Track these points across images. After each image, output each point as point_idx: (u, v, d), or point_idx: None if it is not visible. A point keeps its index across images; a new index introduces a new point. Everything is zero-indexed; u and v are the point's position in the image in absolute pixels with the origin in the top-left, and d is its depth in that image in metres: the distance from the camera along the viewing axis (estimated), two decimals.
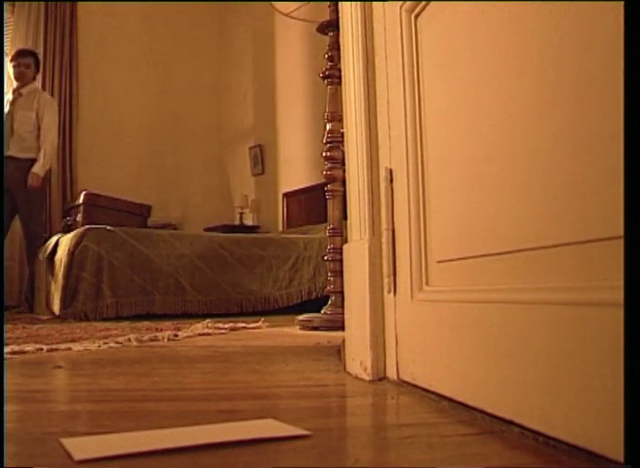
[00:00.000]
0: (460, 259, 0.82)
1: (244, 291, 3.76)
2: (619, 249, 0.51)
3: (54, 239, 3.97)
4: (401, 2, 0.99)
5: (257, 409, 0.84)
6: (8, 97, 4.46)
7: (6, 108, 4.37)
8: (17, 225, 4.87)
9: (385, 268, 1.03)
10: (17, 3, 5.56)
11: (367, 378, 1.04)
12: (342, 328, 1.20)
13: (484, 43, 0.77)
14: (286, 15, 2.65)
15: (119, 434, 0.67)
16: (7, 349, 1.53)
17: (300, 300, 3.88)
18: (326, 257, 2.47)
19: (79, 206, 4.42)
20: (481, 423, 0.71)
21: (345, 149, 1.22)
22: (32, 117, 4.37)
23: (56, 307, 3.44)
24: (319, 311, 2.42)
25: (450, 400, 0.80)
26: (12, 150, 4.29)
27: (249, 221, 6.16)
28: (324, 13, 2.49)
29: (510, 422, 0.66)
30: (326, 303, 2.44)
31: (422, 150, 0.94)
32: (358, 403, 0.91)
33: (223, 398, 0.94)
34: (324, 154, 2.46)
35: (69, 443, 0.62)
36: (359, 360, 1.07)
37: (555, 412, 0.59)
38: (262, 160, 6.12)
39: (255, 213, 6.19)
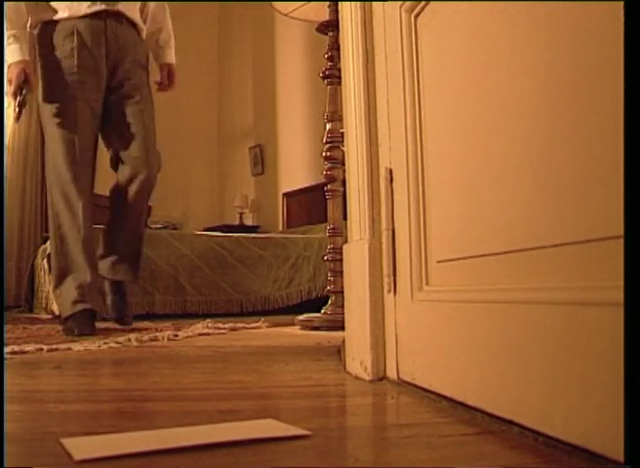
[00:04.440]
0: (459, 259, 0.82)
1: (244, 291, 3.76)
2: (619, 249, 0.51)
3: None
4: (401, 2, 0.99)
5: (257, 409, 0.84)
6: None
7: None
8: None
9: (385, 268, 1.03)
10: None
11: (367, 378, 1.04)
12: (342, 328, 1.20)
13: (484, 43, 0.77)
14: (286, 15, 2.65)
15: (119, 434, 0.67)
16: (7, 349, 1.53)
17: (299, 300, 3.88)
18: (326, 257, 2.47)
19: None
20: (481, 423, 0.71)
21: (345, 149, 1.22)
22: None
23: (56, 307, 3.44)
24: (319, 311, 2.42)
25: (450, 400, 0.80)
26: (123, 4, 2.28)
27: (249, 221, 6.17)
28: (324, 13, 2.49)
29: (510, 422, 0.66)
30: (326, 303, 2.44)
31: (422, 150, 0.94)
32: (358, 403, 0.91)
33: (223, 398, 0.94)
34: (324, 154, 2.46)
35: (69, 443, 0.62)
36: (359, 360, 1.07)
37: (555, 412, 0.59)
38: (262, 160, 6.12)
39: (255, 213, 6.19)
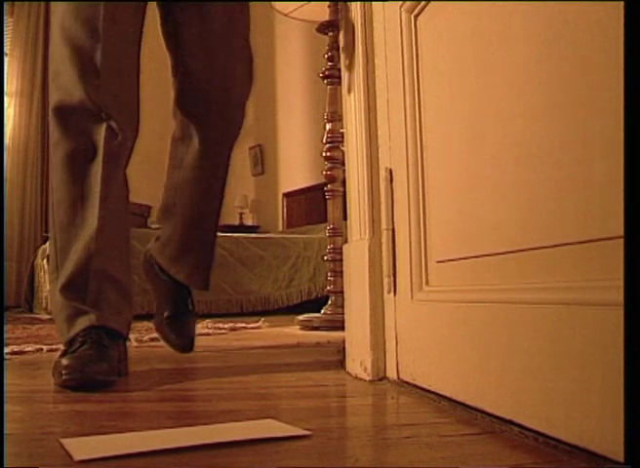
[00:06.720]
0: (459, 259, 0.82)
1: (244, 291, 3.76)
2: (619, 249, 0.51)
3: None
4: (401, 2, 0.99)
5: (257, 410, 0.84)
6: None
7: None
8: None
9: (385, 268, 1.03)
10: (16, 3, 5.56)
11: (367, 378, 1.04)
12: (342, 328, 1.20)
13: (484, 43, 0.77)
14: (286, 15, 2.65)
15: (119, 434, 0.67)
16: (7, 349, 1.53)
17: (299, 300, 3.87)
18: (326, 257, 2.47)
19: None
20: (481, 423, 0.71)
21: (345, 149, 1.22)
22: None
23: None
24: (319, 311, 2.42)
25: (450, 400, 0.80)
26: None
27: (249, 221, 6.16)
28: (324, 13, 2.48)
29: (510, 422, 0.66)
30: (326, 303, 2.44)
31: (422, 150, 0.94)
32: (358, 403, 0.91)
33: (223, 398, 0.94)
34: (324, 154, 2.46)
35: (69, 443, 0.62)
36: (359, 360, 1.07)
37: (555, 412, 0.59)
38: (262, 160, 6.11)
39: (255, 213, 6.19)
